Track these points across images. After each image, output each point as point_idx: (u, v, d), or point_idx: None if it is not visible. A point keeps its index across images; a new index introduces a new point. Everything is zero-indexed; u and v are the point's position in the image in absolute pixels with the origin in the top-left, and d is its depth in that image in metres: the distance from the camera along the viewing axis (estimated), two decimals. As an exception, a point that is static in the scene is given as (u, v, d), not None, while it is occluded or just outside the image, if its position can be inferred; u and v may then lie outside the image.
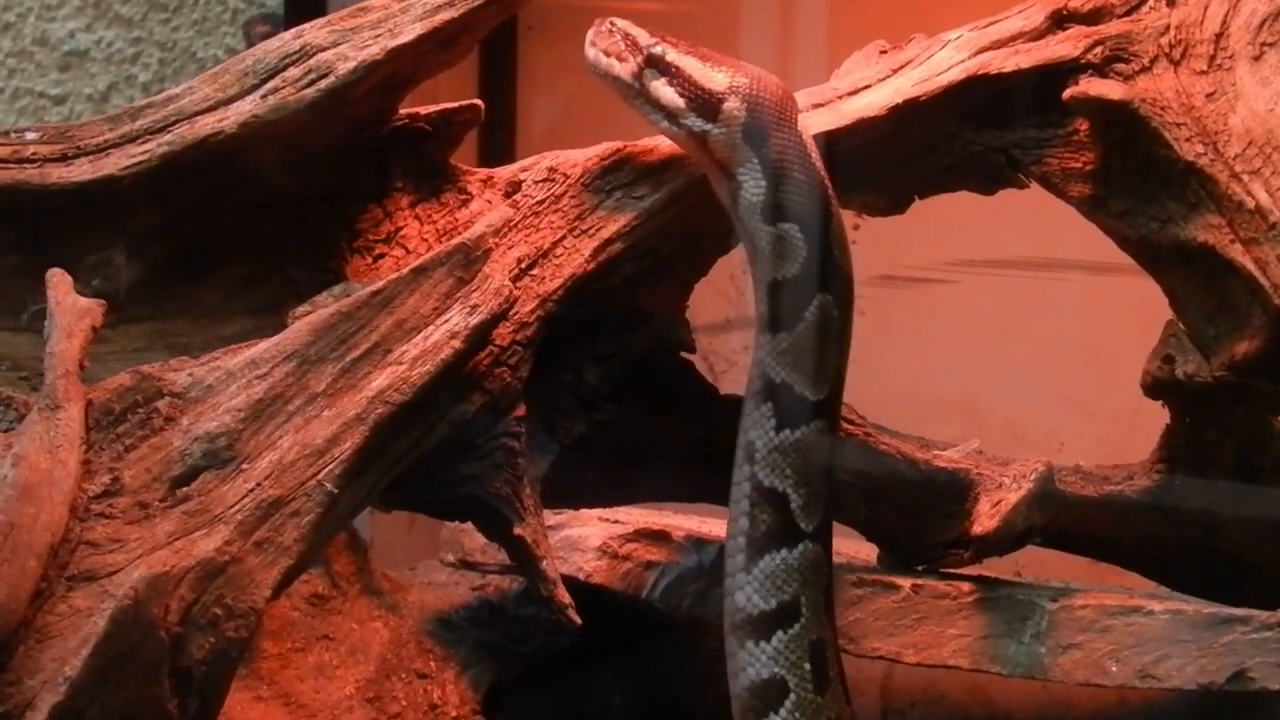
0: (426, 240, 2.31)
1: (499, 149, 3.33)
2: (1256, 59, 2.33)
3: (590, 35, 2.26)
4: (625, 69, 2.23)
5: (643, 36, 2.24)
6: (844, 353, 2.27)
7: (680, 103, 2.20)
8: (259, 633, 2.62)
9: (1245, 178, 2.26)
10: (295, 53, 2.21)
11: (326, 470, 2.03)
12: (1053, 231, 2.80)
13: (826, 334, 2.24)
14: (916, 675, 2.46)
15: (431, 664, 2.78)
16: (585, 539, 2.72)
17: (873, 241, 3.37)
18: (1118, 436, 3.02)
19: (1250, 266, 2.26)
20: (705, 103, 2.19)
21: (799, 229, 2.20)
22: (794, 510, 2.22)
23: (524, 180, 2.32)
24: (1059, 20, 2.38)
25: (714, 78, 2.20)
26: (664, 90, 2.21)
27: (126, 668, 1.88)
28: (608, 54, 2.24)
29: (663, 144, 2.31)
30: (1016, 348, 3.41)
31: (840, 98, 2.38)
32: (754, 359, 2.26)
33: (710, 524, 2.79)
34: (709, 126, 2.19)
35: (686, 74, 2.20)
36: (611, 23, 2.26)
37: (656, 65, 2.22)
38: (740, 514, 2.23)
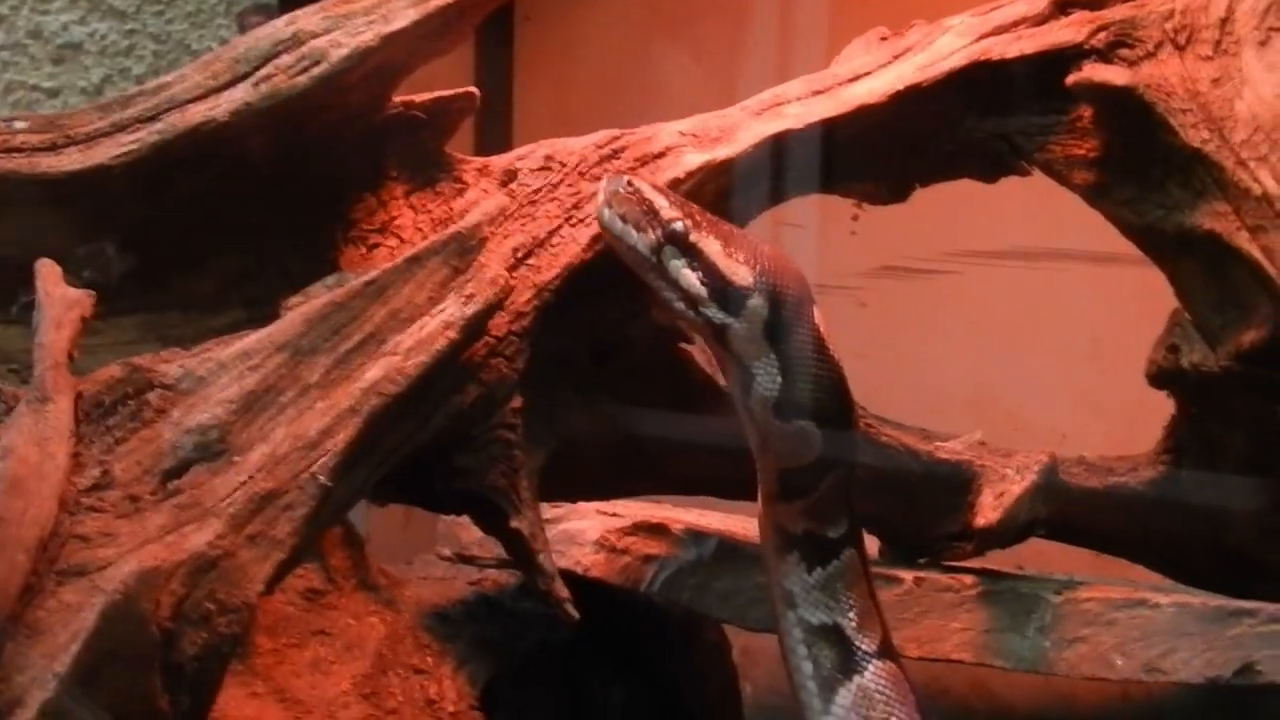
0: (421, 230, 2.28)
1: (496, 137, 3.31)
2: (1263, 44, 2.31)
3: (604, 192, 2.16)
4: (644, 241, 2.14)
5: (663, 206, 2.15)
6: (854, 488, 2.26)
7: (702, 291, 2.14)
8: (253, 628, 2.60)
9: (1251, 164, 2.24)
10: (288, 39, 2.18)
11: (320, 463, 1.99)
12: (1056, 222, 2.78)
13: (842, 492, 2.24)
14: (918, 669, 2.43)
15: (428, 659, 2.76)
16: (583, 532, 2.70)
17: (874, 231, 3.37)
18: (1122, 428, 3.00)
19: (1257, 254, 2.24)
20: (728, 295, 2.14)
21: (816, 426, 2.18)
22: (851, 637, 2.22)
23: (520, 169, 2.30)
24: (1062, 5, 2.37)
25: (737, 270, 2.14)
26: (684, 273, 2.14)
27: (117, 663, 1.84)
28: (625, 220, 2.15)
29: (659, 133, 2.28)
30: (1019, 339, 3.39)
31: (841, 84, 2.36)
32: (765, 517, 2.25)
33: (709, 517, 2.77)
34: (730, 321, 2.14)
35: (709, 260, 2.14)
36: (630, 183, 2.16)
37: (677, 244, 2.14)
38: (799, 659, 2.23)
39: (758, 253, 2.17)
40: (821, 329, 2.18)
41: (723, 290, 2.14)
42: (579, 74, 3.51)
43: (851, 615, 2.22)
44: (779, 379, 2.14)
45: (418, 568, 3.02)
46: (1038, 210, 2.70)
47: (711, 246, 2.15)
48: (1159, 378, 2.44)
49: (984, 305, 3.42)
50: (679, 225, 2.14)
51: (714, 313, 2.15)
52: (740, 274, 2.14)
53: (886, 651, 2.23)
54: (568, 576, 2.49)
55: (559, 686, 2.84)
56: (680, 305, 2.16)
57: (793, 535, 2.22)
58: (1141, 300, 2.50)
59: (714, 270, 2.14)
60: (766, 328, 2.14)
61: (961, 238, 3.37)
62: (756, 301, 2.14)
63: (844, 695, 2.20)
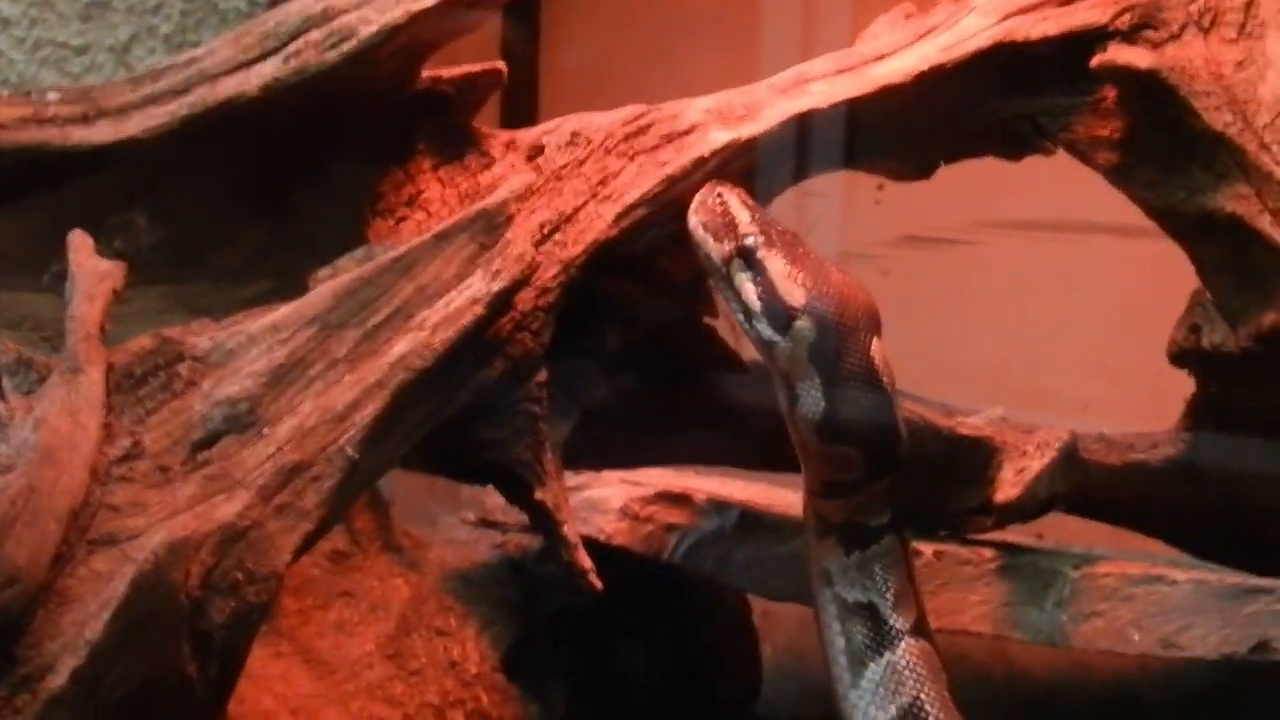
0: (448, 203, 2.30)
1: (522, 111, 3.32)
2: (1288, 27, 2.31)
3: (697, 198, 2.24)
4: (718, 251, 2.22)
5: (743, 220, 2.21)
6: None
7: (757, 306, 2.19)
8: (280, 590, 2.64)
9: (1274, 148, 2.24)
10: (317, 15, 2.19)
11: (347, 436, 2.02)
12: (1080, 193, 2.77)
13: (888, 493, 2.26)
14: (940, 637, 2.44)
15: (452, 621, 2.78)
16: (606, 500, 2.72)
17: (897, 201, 3.37)
18: (1144, 401, 3.01)
19: (1278, 237, 2.24)
20: (779, 313, 2.18)
21: (860, 452, 2.21)
22: (884, 614, 2.25)
23: (546, 144, 2.31)
24: (1087, -14, 2.36)
25: (793, 291, 2.18)
26: (746, 286, 2.20)
27: (147, 632, 1.88)
28: (706, 228, 2.22)
29: (686, 110, 2.29)
30: (1042, 310, 3.39)
31: (866, 64, 2.35)
32: (808, 504, 2.28)
33: (731, 486, 2.79)
34: (777, 338, 2.19)
35: (769, 278, 2.19)
36: (720, 194, 2.23)
37: (746, 258, 2.20)
38: (833, 634, 2.26)
39: (822, 278, 2.21)
40: (877, 359, 2.21)
41: (775, 308, 2.19)
42: (604, 47, 3.51)
43: (887, 594, 2.24)
44: (823, 403, 2.17)
45: (441, 531, 3.04)
46: (1063, 182, 2.69)
47: (776, 265, 2.19)
48: (1180, 357, 2.45)
49: (1007, 276, 3.42)
50: (750, 240, 2.20)
51: (764, 328, 2.19)
52: (794, 295, 2.18)
53: (920, 630, 2.26)
54: (590, 544, 2.51)
55: (581, 650, 2.86)
56: (740, 317, 2.22)
57: (833, 523, 2.26)
58: (1165, 274, 2.50)
59: (772, 288, 2.19)
60: (811, 351, 2.17)
61: (986, 208, 3.37)
62: (804, 324, 2.17)
63: (873, 670, 2.22)
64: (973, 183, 2.83)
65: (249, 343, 2.04)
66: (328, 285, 2.08)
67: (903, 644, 2.23)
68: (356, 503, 2.77)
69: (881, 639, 2.23)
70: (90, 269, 2.06)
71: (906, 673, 2.22)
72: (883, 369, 2.21)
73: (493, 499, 2.87)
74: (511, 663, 2.79)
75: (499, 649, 2.79)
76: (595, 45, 3.51)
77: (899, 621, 2.24)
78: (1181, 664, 2.73)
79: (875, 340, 2.22)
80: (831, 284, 2.21)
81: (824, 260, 2.25)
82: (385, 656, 2.70)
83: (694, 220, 2.24)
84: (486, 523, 2.95)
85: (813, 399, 2.18)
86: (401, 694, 2.67)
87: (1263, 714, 2.89)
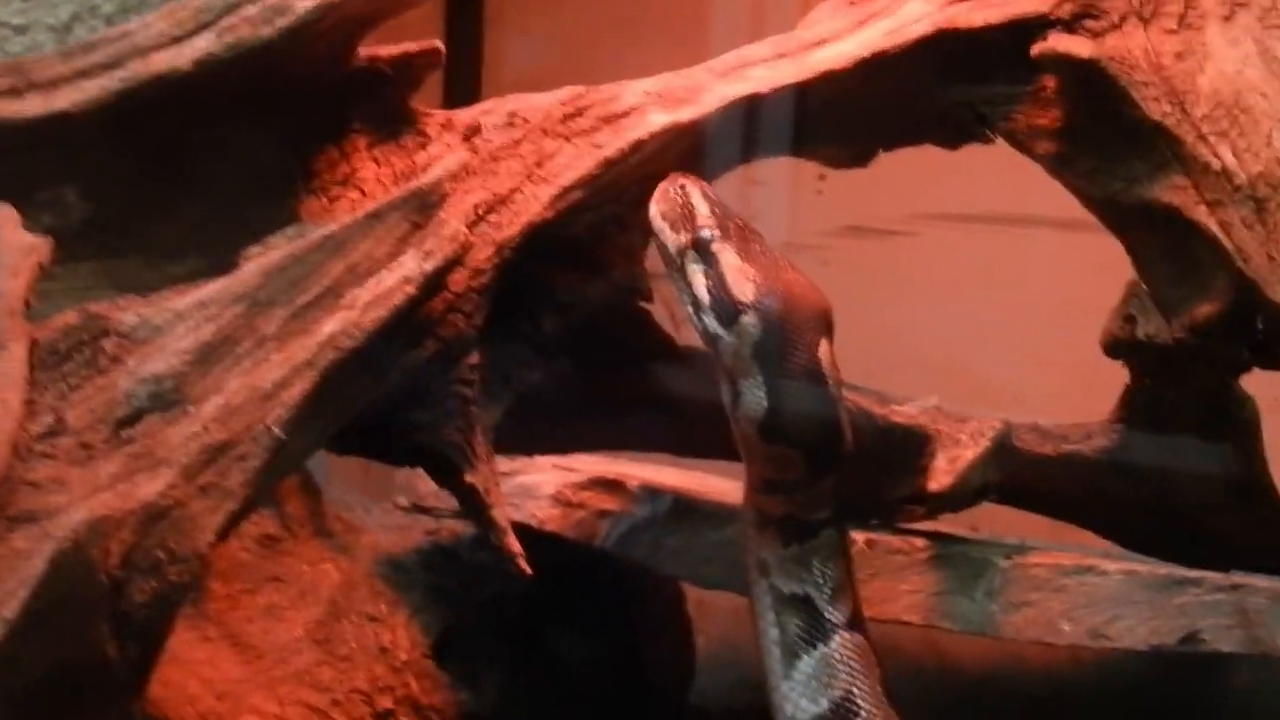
0: (383, 183, 2.28)
1: (465, 91, 3.30)
2: (1227, 19, 2.31)
3: (660, 188, 2.23)
4: (674, 242, 2.21)
5: (701, 212, 2.21)
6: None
7: (706, 299, 2.18)
8: (207, 574, 2.61)
9: (1212, 139, 2.24)
10: (253, -11, 2.17)
11: (274, 415, 2.00)
12: (1022, 186, 2.78)
13: (829, 492, 2.25)
14: (871, 628, 2.44)
15: (383, 607, 2.77)
16: (539, 486, 2.71)
17: (840, 191, 3.37)
18: (1080, 393, 3.01)
19: (1215, 229, 2.24)
20: (726, 308, 2.17)
21: (801, 454, 2.20)
22: (820, 607, 2.23)
23: (484, 124, 2.29)
24: (1029, -26, 2.36)
25: (742, 286, 2.17)
26: (697, 279, 2.19)
27: (66, 611, 1.85)
28: (664, 218, 2.22)
29: (624, 92, 2.28)
30: (982, 302, 3.40)
31: (807, 49, 2.34)
32: (747, 496, 2.27)
33: (666, 473, 2.78)
34: (723, 333, 2.17)
35: (720, 271, 2.18)
36: (683, 185, 2.23)
37: (701, 250, 2.19)
38: (767, 625, 2.24)
39: (773, 275, 2.19)
40: (824, 361, 2.19)
41: (722, 303, 2.17)
42: (549, 29, 3.49)
43: (824, 587, 2.23)
44: (765, 402, 2.16)
45: (375, 516, 3.02)
46: (1004, 174, 2.70)
47: (728, 259, 2.18)
48: (1114, 348, 2.45)
49: (947, 267, 3.42)
50: (706, 233, 2.19)
51: (711, 322, 2.18)
52: (743, 290, 2.17)
53: (855, 625, 2.25)
54: (523, 529, 2.50)
55: (513, 637, 2.85)
56: (689, 308, 2.20)
57: (773, 516, 2.24)
58: (1103, 267, 2.51)
59: (722, 281, 2.18)
60: (756, 348, 2.16)
61: (927, 200, 3.38)
62: (749, 320, 2.16)
63: (806, 662, 2.21)
64: (914, 175, 2.83)
65: (176, 319, 2.01)
66: (257, 262, 2.05)
67: (837, 637, 2.22)
68: (288, 486, 2.76)
69: (816, 631, 2.22)
70: (15, 243, 2.03)
71: (840, 666, 2.22)
72: (829, 371, 2.19)
73: (426, 484, 2.85)
74: (442, 649, 2.78)
75: (430, 635, 2.77)
76: (540, 30, 3.50)
77: (834, 615, 2.23)
78: (1114, 656, 2.73)
79: (824, 342, 2.19)
80: (782, 282, 2.19)
81: (780, 259, 2.23)
82: (314, 642, 2.68)
83: (654, 209, 2.23)
84: (420, 508, 2.93)
85: (755, 397, 2.17)
86: (330, 680, 2.66)
87: (1193, 706, 2.90)
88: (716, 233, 2.20)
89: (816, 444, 2.20)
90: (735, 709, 3.10)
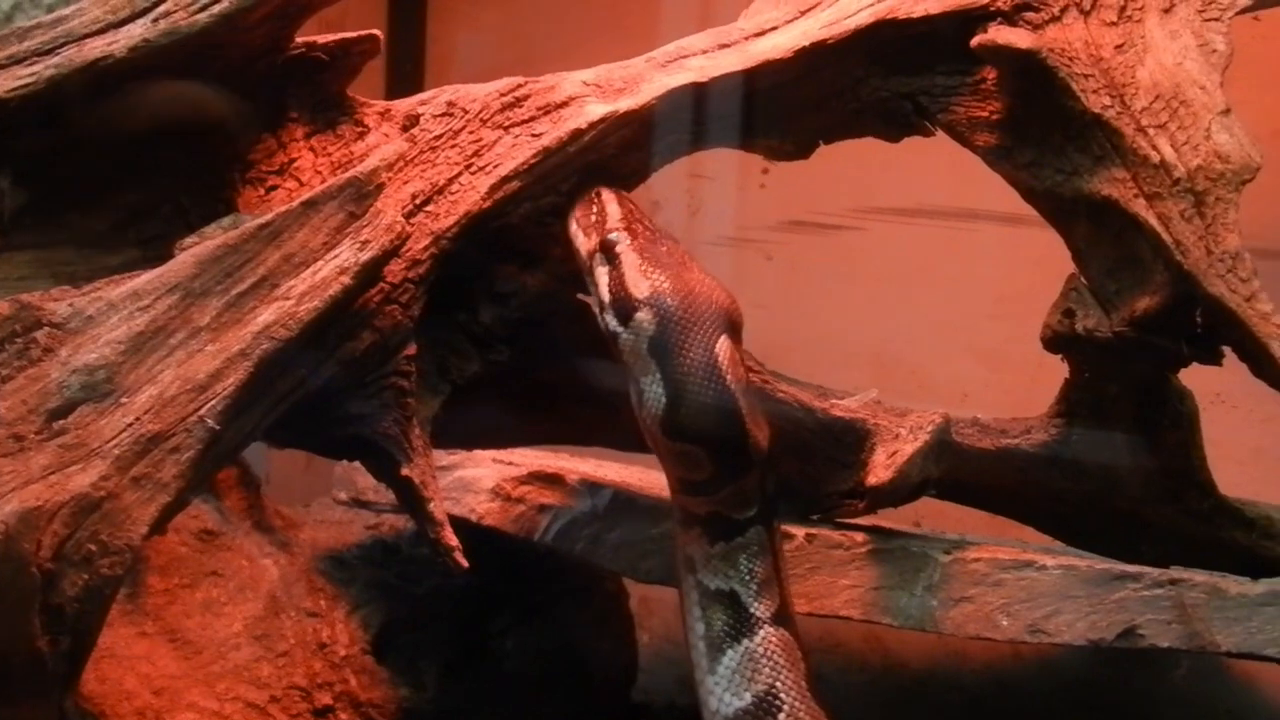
0: (320, 172, 2.26)
1: (407, 81, 3.29)
2: (1167, 11, 2.31)
3: (580, 200, 2.26)
4: (584, 245, 2.24)
5: (612, 216, 2.23)
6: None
7: (607, 298, 2.19)
8: (145, 568, 2.59)
9: (1151, 131, 2.25)
10: (188, -25, 2.15)
11: (208, 406, 1.98)
12: (965, 182, 2.78)
13: (751, 490, 2.23)
14: (813, 623, 2.44)
15: (322, 603, 2.75)
16: (478, 480, 2.70)
17: (784, 186, 3.37)
18: (1023, 387, 3.02)
19: (1153, 222, 2.25)
20: (623, 306, 2.18)
21: (705, 451, 2.18)
22: (745, 603, 2.22)
23: (422, 114, 2.28)
24: (970, -34, 2.36)
25: (638, 283, 2.18)
26: (602, 279, 2.21)
27: (-4, 604, 1.84)
28: (578, 224, 2.25)
29: (563, 83, 2.27)
30: (925, 297, 3.40)
31: (747, 39, 2.35)
32: (672, 496, 2.26)
33: (606, 468, 2.77)
34: (620, 330, 2.18)
35: (621, 271, 2.19)
36: (599, 193, 2.25)
37: (607, 252, 2.21)
38: (694, 620, 2.24)
39: (672, 274, 2.19)
40: (721, 358, 2.17)
41: (620, 300, 2.18)
42: (495, 22, 3.48)
43: (750, 583, 2.22)
44: (663, 398, 2.15)
45: (315, 511, 3.01)
46: (947, 170, 2.70)
47: (631, 259, 2.19)
48: (1054, 342, 2.45)
49: (890, 262, 3.42)
50: (613, 235, 2.21)
51: (610, 319, 2.19)
52: (639, 287, 2.18)
53: (781, 620, 2.24)
54: (462, 524, 2.49)
55: (453, 632, 2.84)
56: (597, 310, 2.21)
57: (698, 515, 2.24)
58: (1047, 262, 2.51)
59: (621, 280, 2.19)
60: (651, 344, 2.16)
61: (871, 195, 3.38)
62: (644, 316, 2.16)
63: (730, 657, 2.21)
64: (858, 169, 2.83)
65: (109, 309, 2.00)
66: (191, 252, 2.04)
67: (761, 633, 2.22)
68: (227, 481, 2.75)
69: (740, 627, 2.22)
70: (-53, 233, 2.01)
71: (764, 661, 2.21)
72: (727, 368, 2.17)
73: (365, 478, 2.84)
74: (382, 645, 2.76)
75: (369, 631, 2.76)
76: (488, 22, 3.49)
77: (759, 610, 2.22)
78: (1055, 651, 2.74)
79: (723, 338, 2.18)
80: (680, 280, 2.19)
81: (688, 260, 2.23)
82: (253, 637, 2.66)
83: (570, 217, 2.25)
84: (359, 503, 2.92)
85: (654, 394, 2.16)
86: (269, 675, 2.64)
87: (1133, 700, 2.91)
88: (624, 235, 2.21)
89: (719, 441, 2.19)
90: (678, 705, 3.10)
